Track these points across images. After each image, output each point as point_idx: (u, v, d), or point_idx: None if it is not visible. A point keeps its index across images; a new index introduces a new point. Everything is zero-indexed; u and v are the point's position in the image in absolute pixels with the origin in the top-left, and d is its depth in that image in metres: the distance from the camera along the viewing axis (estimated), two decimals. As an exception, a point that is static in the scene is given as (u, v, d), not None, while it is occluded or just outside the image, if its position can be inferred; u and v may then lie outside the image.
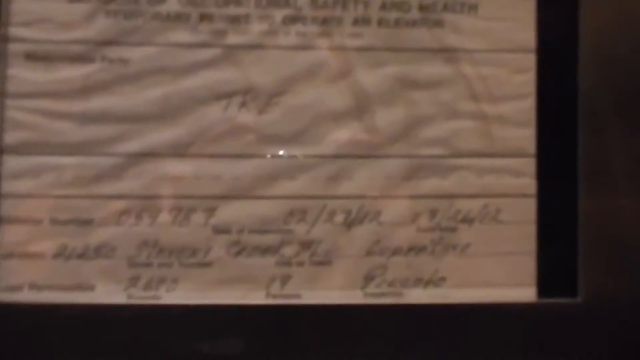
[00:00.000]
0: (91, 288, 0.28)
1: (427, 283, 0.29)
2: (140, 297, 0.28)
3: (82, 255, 0.28)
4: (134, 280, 0.28)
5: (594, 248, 0.28)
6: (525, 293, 0.29)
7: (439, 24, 0.29)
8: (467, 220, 0.29)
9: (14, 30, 0.28)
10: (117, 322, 0.27)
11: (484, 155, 0.29)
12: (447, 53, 0.29)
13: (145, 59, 0.28)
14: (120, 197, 0.28)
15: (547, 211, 0.29)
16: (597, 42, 0.29)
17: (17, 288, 0.28)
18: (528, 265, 0.29)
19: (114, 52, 0.28)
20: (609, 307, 0.28)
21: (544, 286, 0.29)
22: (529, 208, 0.29)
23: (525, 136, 0.29)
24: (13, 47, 0.28)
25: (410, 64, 0.29)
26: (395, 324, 0.28)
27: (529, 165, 0.29)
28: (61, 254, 0.28)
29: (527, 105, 0.29)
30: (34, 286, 0.28)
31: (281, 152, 0.29)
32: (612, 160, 0.29)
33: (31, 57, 0.28)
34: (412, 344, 0.28)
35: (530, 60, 0.29)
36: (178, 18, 0.29)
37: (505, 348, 0.28)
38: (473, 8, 0.29)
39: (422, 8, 0.29)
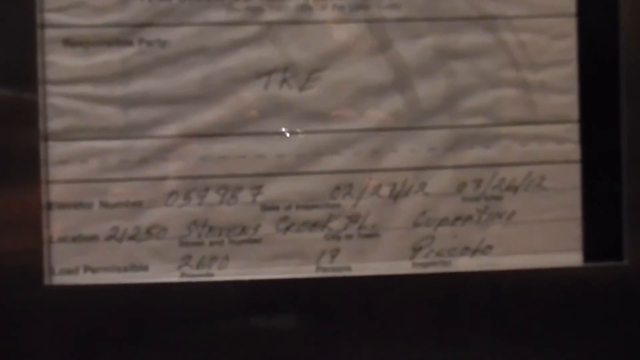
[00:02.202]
0: (145, 268, 0.29)
1: (474, 252, 0.29)
2: (193, 275, 0.29)
3: (134, 237, 0.28)
4: (186, 259, 0.29)
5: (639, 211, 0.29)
6: (572, 258, 0.29)
7: (477, -9, 0.29)
8: (512, 188, 0.29)
9: (49, 16, 0.28)
10: (171, 300, 0.28)
11: (527, 123, 0.29)
12: (486, 21, 0.29)
13: (183, 39, 0.28)
14: (167, 178, 0.29)
15: (591, 176, 0.29)
16: (638, 4, 0.29)
17: (73, 271, 0.28)
18: (573, 230, 0.29)
19: (151, 34, 0.28)
20: (655, 269, 0.29)
21: (589, 251, 0.29)
22: (574, 174, 0.29)
23: (568, 102, 0.29)
24: (50, 33, 0.28)
25: (449, 33, 0.29)
26: (443, 293, 0.28)
27: (572, 131, 0.29)
28: (113, 236, 0.28)
29: (569, 72, 0.29)
30: (88, 268, 0.28)
31: (324, 128, 0.29)
32: (655, 122, 0.29)
33: (69, 43, 0.28)
34: (460, 311, 0.28)
35: (570, 25, 0.29)
36: (213, -4, 0.29)
37: (552, 312, 0.28)
38: (512, -27, 0.29)
39: (460, -24, 0.29)
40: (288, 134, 0.29)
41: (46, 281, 0.28)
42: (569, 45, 0.29)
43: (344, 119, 0.29)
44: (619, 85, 0.29)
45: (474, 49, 0.29)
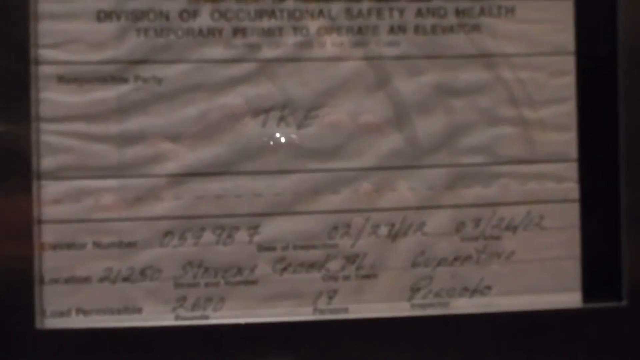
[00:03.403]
0: (138, 310, 0.28)
1: (473, 292, 0.29)
2: (188, 317, 0.28)
3: (127, 278, 0.28)
4: (181, 301, 0.28)
5: (639, 251, 0.28)
6: (570, 298, 0.29)
7: (476, 28, 0.29)
8: (511, 227, 0.29)
9: (44, 53, 0.28)
10: (165, 343, 0.28)
11: (526, 162, 0.29)
12: (485, 58, 0.29)
13: (179, 76, 0.28)
14: (162, 218, 0.28)
15: (590, 215, 0.29)
16: (636, 41, 0.29)
17: (64, 313, 0.28)
18: (573, 270, 0.29)
19: (147, 70, 0.28)
20: (655, 310, 0.28)
21: (589, 291, 0.29)
22: (573, 213, 0.29)
23: (567, 140, 0.29)
24: (44, 69, 0.28)
25: (449, 70, 0.29)
26: (442, 334, 0.28)
27: (571, 169, 0.29)
28: (107, 277, 0.28)
29: (568, 109, 0.29)
30: (81, 310, 0.28)
31: (322, 166, 0.28)
32: (655, 161, 0.29)
33: (63, 80, 0.28)
34: (459, 353, 0.28)
35: (569, 63, 0.29)
36: (211, 33, 0.28)
37: (552, 354, 0.28)
38: (510, 11, 0.29)
39: (458, 13, 0.29)
40: (285, 173, 0.28)
41: (38, 324, 0.27)
42: (568, 82, 0.29)
43: (342, 156, 0.28)
44: (618, 123, 0.29)
45: (473, 87, 0.29)
